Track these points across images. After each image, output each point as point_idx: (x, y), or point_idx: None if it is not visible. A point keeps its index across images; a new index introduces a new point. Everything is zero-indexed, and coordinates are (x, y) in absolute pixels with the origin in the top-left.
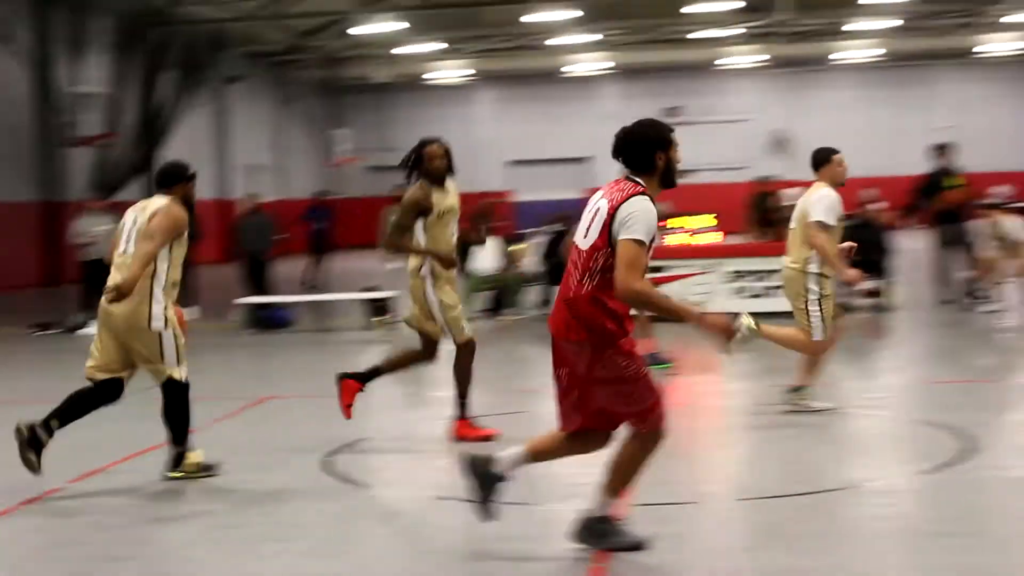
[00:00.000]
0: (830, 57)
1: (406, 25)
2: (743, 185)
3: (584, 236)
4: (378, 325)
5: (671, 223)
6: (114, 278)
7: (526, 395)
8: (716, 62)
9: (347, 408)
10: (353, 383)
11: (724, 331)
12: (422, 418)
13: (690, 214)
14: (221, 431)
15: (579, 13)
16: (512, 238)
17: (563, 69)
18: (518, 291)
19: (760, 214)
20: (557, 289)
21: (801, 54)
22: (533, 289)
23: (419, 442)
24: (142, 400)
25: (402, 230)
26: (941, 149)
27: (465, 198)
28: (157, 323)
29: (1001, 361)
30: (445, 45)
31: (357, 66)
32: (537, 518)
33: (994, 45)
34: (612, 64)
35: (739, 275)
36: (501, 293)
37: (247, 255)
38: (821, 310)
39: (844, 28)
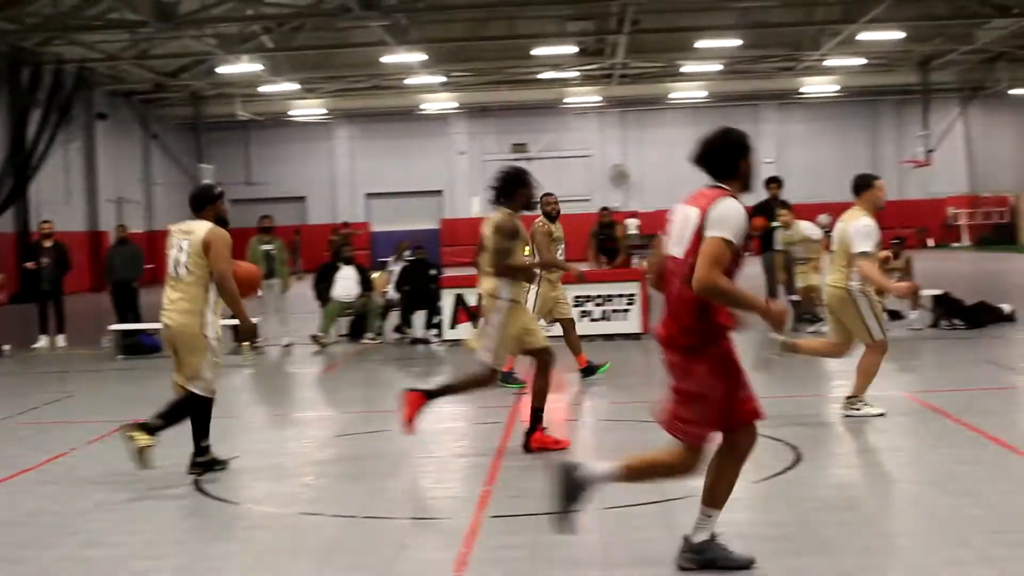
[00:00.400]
0: (669, 96)
1: (263, 67)
2: (585, 216)
3: (677, 245)
4: (244, 350)
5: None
6: (170, 296)
7: (388, 415)
8: (563, 101)
9: (410, 422)
10: (417, 397)
11: (782, 319)
12: (289, 438)
13: None
14: (95, 452)
15: (424, 57)
16: (371, 266)
17: (418, 107)
18: (377, 316)
19: (601, 243)
20: (414, 315)
21: (637, 94)
22: (390, 314)
23: (286, 461)
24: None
25: (508, 253)
26: (771, 181)
27: (326, 229)
28: (209, 331)
29: (820, 375)
30: (301, 86)
31: (222, 104)
32: (398, 531)
33: (814, 87)
34: (458, 104)
35: (583, 300)
36: (360, 318)
37: (117, 283)
38: (875, 316)
39: (676, 71)
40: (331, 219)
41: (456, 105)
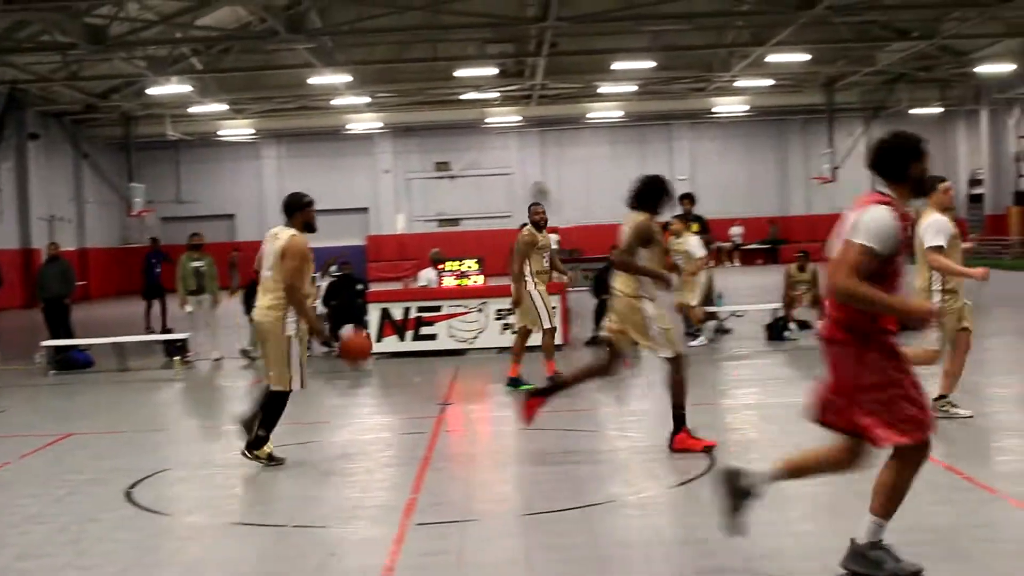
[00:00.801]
0: (587, 116)
1: (192, 88)
2: (507, 231)
3: (835, 247)
4: (176, 364)
5: (448, 266)
6: (261, 295)
7: (315, 427)
8: (484, 120)
9: (529, 419)
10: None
11: (926, 316)
12: (219, 449)
13: (459, 259)
14: (28, 465)
15: (350, 78)
16: None
17: (344, 127)
18: (304, 331)
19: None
20: (341, 329)
21: (556, 114)
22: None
23: (217, 471)
24: None
25: (633, 252)
26: (685, 197)
27: (255, 246)
28: (290, 330)
29: (732, 384)
30: (229, 107)
31: (152, 124)
32: (326, 539)
33: (725, 107)
34: (382, 124)
35: (506, 313)
36: None
37: (48, 300)
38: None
39: (594, 91)
40: (259, 236)
41: (381, 125)
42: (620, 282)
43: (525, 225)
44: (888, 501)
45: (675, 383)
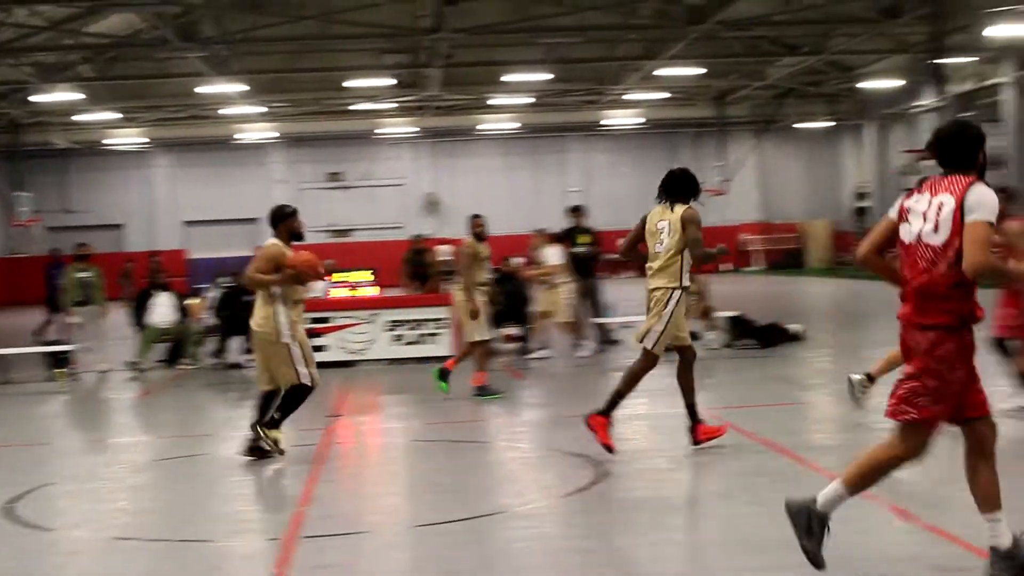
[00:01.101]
0: (477, 128)
1: (82, 96)
2: (399, 243)
3: (935, 232)
4: (59, 377)
5: (335, 277)
6: (257, 310)
7: (202, 439)
8: (375, 131)
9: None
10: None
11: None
12: (103, 463)
13: (351, 270)
14: None
15: (246, 87)
16: (188, 292)
17: (235, 136)
18: (194, 342)
19: (414, 269)
20: (230, 340)
21: (450, 125)
22: (208, 340)
23: (102, 485)
24: None
25: (701, 242)
26: (575, 209)
27: (144, 255)
28: (284, 337)
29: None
30: (120, 115)
31: (39, 132)
32: (213, 554)
33: (616, 120)
34: (277, 134)
35: (396, 324)
36: (177, 344)
37: None
38: None
39: (487, 103)
40: (149, 247)
41: (274, 135)
42: (661, 275)
43: (419, 236)
44: (863, 477)
45: (635, 375)
